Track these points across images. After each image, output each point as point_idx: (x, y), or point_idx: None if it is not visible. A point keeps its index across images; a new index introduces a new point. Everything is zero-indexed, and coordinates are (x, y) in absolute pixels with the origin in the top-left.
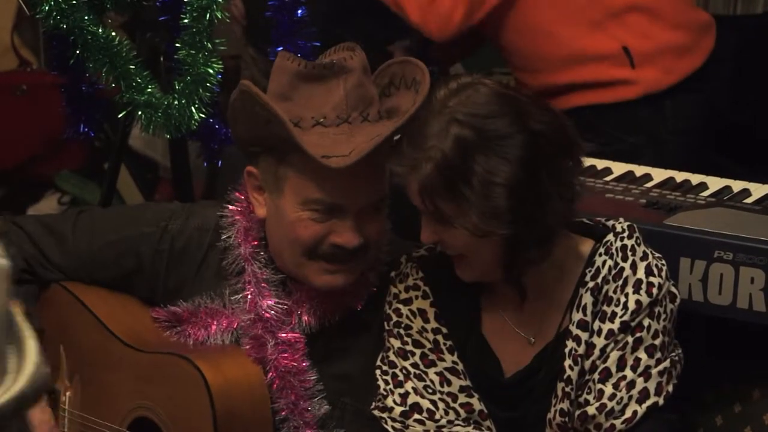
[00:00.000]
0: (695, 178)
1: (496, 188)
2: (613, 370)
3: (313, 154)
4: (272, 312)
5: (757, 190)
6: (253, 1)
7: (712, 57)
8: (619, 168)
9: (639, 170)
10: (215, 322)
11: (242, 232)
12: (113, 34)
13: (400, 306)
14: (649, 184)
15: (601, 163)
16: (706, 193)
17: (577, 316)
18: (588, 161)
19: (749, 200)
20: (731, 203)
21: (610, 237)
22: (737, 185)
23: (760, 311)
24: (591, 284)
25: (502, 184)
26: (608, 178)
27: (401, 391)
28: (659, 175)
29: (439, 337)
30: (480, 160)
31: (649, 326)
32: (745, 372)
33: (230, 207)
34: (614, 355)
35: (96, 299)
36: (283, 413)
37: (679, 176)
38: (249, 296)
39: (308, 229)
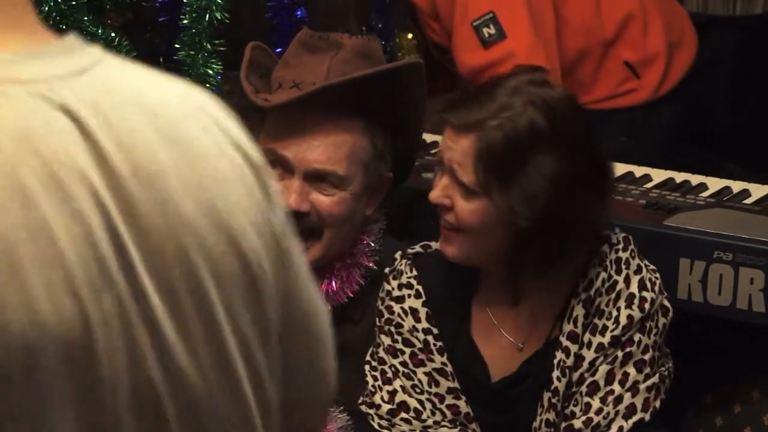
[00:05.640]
0: (695, 179)
1: (541, 180)
2: (601, 384)
3: (250, 94)
4: None
5: (757, 190)
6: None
7: (700, 62)
8: (618, 169)
9: (639, 171)
10: None
11: None
12: (113, 34)
13: (393, 303)
14: (649, 185)
15: None
16: (705, 194)
17: (567, 327)
18: None
19: (749, 201)
20: (731, 204)
21: (605, 248)
22: (737, 186)
23: (760, 312)
24: (583, 296)
25: (547, 176)
26: None
27: (389, 388)
28: (659, 175)
29: (430, 338)
30: (542, 150)
31: (640, 341)
32: (744, 372)
33: None
34: (603, 369)
35: None
36: None
37: (679, 177)
38: None
39: None
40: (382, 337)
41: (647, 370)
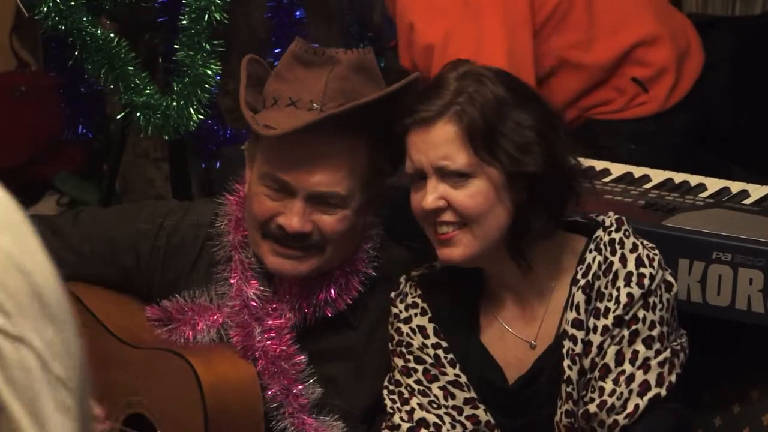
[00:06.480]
0: (694, 179)
1: (526, 130)
2: (612, 365)
3: (250, 121)
4: (258, 300)
5: (756, 191)
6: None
7: (707, 66)
8: (617, 169)
9: (637, 171)
10: (202, 320)
11: (234, 220)
12: (112, 35)
13: (401, 325)
14: (648, 185)
15: (599, 164)
16: (704, 194)
17: (571, 315)
18: (586, 162)
19: (748, 201)
20: (730, 204)
21: (599, 232)
22: (736, 186)
23: (759, 312)
24: (582, 282)
25: (530, 126)
26: (607, 180)
27: (407, 408)
28: (658, 176)
29: (440, 352)
30: (513, 110)
31: (645, 318)
32: (743, 373)
33: (228, 196)
34: (611, 351)
35: (93, 297)
36: (278, 399)
37: (678, 177)
38: (234, 283)
39: (261, 205)
40: (396, 359)
41: (657, 345)
